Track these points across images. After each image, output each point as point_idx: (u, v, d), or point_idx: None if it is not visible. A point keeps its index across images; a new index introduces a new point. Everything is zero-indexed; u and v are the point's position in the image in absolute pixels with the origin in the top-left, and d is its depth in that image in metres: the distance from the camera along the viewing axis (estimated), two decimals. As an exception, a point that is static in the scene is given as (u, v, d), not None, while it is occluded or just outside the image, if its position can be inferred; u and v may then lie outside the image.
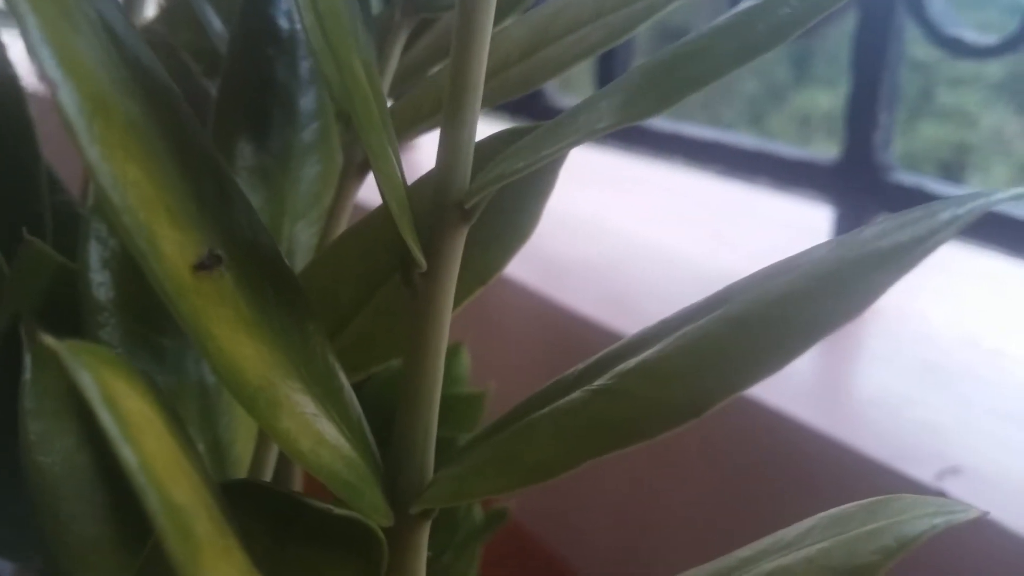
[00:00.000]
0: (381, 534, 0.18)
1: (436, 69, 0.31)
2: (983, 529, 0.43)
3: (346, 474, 0.18)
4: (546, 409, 0.18)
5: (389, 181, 0.17)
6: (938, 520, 0.17)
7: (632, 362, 0.17)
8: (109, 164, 0.13)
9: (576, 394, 0.18)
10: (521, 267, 0.67)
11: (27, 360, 0.24)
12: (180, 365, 0.27)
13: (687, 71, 0.16)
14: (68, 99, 0.13)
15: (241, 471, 0.27)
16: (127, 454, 0.12)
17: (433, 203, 0.20)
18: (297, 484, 0.33)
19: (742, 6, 0.17)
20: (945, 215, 0.14)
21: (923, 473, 0.46)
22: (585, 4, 0.25)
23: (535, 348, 0.69)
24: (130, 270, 0.26)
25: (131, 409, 0.12)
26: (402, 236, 0.18)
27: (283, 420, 0.16)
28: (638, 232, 0.78)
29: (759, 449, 0.52)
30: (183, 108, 0.17)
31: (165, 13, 0.43)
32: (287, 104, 0.28)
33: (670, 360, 0.16)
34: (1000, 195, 0.14)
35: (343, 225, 0.27)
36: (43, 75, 0.13)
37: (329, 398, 0.19)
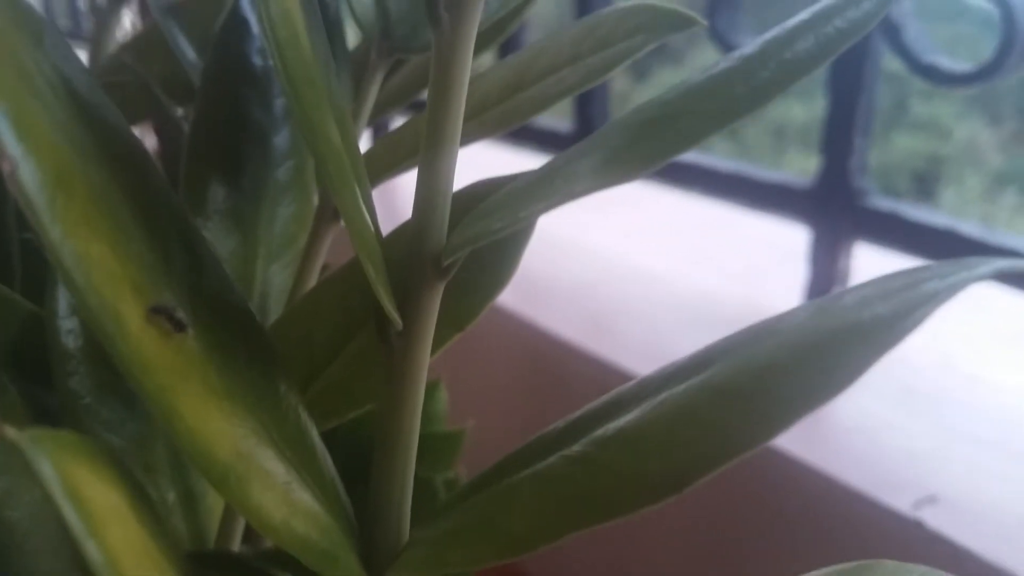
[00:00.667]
0: (355, 602, 0.18)
1: (415, 98, 0.31)
2: (961, 559, 0.43)
3: (320, 542, 0.17)
4: (525, 473, 0.18)
5: (364, 243, 0.17)
6: (922, 587, 0.16)
7: (611, 428, 0.17)
8: (72, 242, 0.13)
9: (554, 459, 0.17)
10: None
11: (-9, 412, 0.24)
12: (150, 412, 0.26)
13: (666, 134, 0.16)
14: (29, 177, 0.12)
15: (214, 520, 0.27)
16: (91, 549, 0.11)
17: (409, 259, 0.19)
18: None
19: (720, 66, 0.17)
20: (928, 288, 0.14)
21: (901, 502, 0.46)
22: (563, 48, 0.25)
23: (512, 369, 0.69)
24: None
25: (93, 498, 0.12)
26: (373, 297, 0.18)
27: (254, 495, 0.16)
28: (616, 252, 0.78)
29: (737, 477, 0.52)
30: (150, 168, 0.16)
31: (135, 41, 0.42)
32: (261, 143, 0.28)
33: (650, 429, 0.16)
34: (983, 268, 0.14)
35: (318, 267, 0.26)
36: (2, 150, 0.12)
37: (302, 461, 0.18)
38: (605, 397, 0.19)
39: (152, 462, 0.26)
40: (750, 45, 0.17)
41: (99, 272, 0.13)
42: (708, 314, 0.66)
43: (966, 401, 0.55)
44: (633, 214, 0.86)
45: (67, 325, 0.25)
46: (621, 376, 0.58)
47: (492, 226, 0.17)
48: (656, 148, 0.16)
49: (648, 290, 0.71)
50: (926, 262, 0.24)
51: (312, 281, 0.26)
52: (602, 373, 0.61)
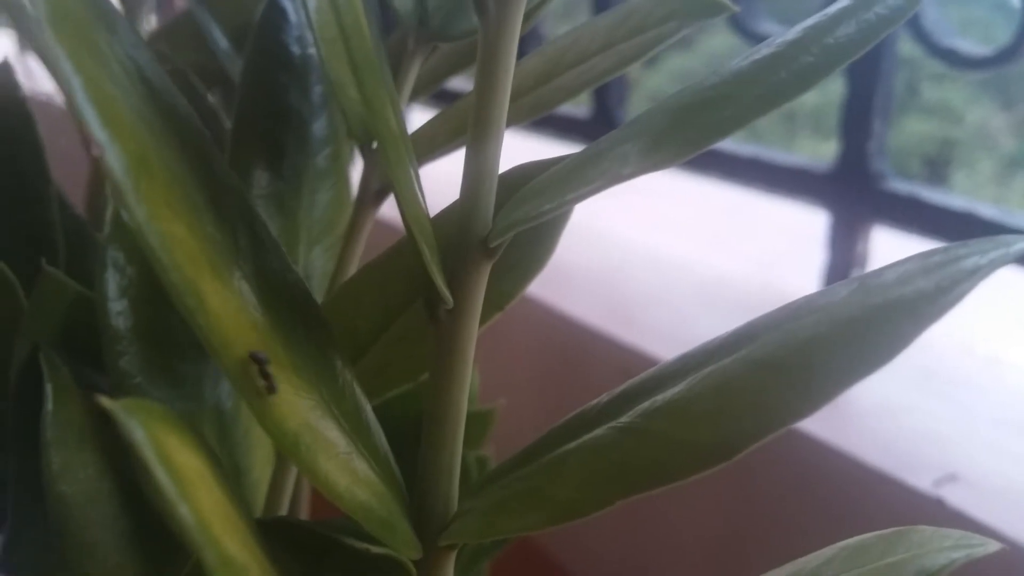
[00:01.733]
0: (413, 569, 0.19)
1: (441, 87, 0.31)
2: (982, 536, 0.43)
3: (379, 510, 0.18)
4: (572, 445, 0.18)
5: (419, 224, 0.18)
6: (957, 554, 0.17)
7: (659, 400, 0.18)
8: (156, 224, 0.13)
9: (602, 431, 0.18)
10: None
11: (48, 391, 0.25)
12: (198, 391, 0.27)
13: (711, 118, 0.17)
14: (115, 161, 0.13)
15: (260, 495, 0.28)
16: (184, 512, 0.12)
17: (458, 240, 0.20)
18: (306, 503, 0.33)
19: (762, 52, 0.18)
20: (968, 264, 0.15)
21: (921, 481, 0.46)
22: (596, 36, 0.25)
23: (533, 353, 0.70)
24: (148, 298, 0.26)
25: (184, 464, 0.13)
26: (429, 274, 0.19)
27: (321, 463, 0.16)
28: (636, 238, 0.78)
29: (760, 458, 0.52)
30: (215, 153, 0.17)
31: (166, 29, 0.43)
32: (300, 130, 0.28)
33: (698, 402, 0.16)
34: (1021, 244, 0.15)
35: (359, 252, 0.27)
36: (89, 135, 0.13)
37: (358, 434, 0.19)
38: (647, 373, 0.20)
39: (200, 440, 0.26)
40: (792, 31, 0.17)
41: (180, 251, 0.14)
42: (727, 298, 0.67)
43: (986, 383, 0.55)
44: (651, 200, 0.87)
45: (117, 307, 0.26)
46: (641, 360, 0.59)
47: (541, 208, 0.18)
48: (702, 132, 0.17)
49: (667, 275, 0.71)
50: (945, 245, 0.24)
51: (353, 265, 0.27)
52: (622, 357, 0.61)
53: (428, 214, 0.20)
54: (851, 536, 0.22)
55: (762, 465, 0.53)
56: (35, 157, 0.30)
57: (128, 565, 0.26)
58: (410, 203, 0.18)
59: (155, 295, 0.26)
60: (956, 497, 0.45)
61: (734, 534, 0.55)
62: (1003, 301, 0.65)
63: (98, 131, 0.13)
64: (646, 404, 0.18)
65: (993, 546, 0.17)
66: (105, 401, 0.12)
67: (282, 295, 0.18)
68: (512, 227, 0.19)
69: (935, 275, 0.15)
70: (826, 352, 0.15)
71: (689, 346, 0.19)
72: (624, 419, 0.18)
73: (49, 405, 0.24)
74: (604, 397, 0.20)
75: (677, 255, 0.74)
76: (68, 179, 0.34)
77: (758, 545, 0.55)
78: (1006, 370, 0.57)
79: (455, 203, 0.21)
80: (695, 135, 0.17)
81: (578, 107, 0.80)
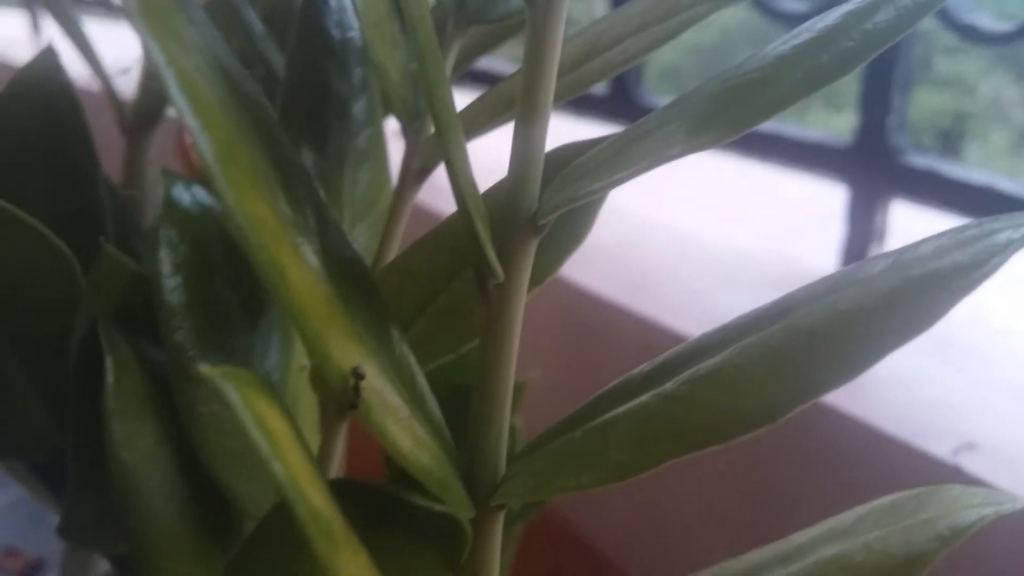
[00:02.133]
0: (467, 525, 0.20)
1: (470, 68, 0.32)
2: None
3: (437, 472, 0.19)
4: (621, 410, 0.19)
5: (472, 200, 0.19)
6: (987, 511, 0.18)
7: (702, 368, 0.19)
8: (243, 206, 0.14)
9: (648, 398, 0.19)
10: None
11: (108, 364, 0.26)
12: (248, 362, 0.28)
13: (754, 99, 0.18)
14: (206, 147, 0.14)
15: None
16: (278, 469, 0.13)
17: (506, 217, 0.21)
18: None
19: (802, 36, 0.18)
20: (1001, 238, 0.16)
21: (939, 449, 0.47)
22: (631, 19, 0.26)
23: (555, 327, 0.71)
24: (200, 274, 0.27)
25: (275, 427, 0.14)
26: (479, 250, 0.20)
27: (389, 425, 0.17)
28: (654, 214, 0.79)
29: (779, 427, 0.53)
30: (284, 138, 0.18)
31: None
32: (342, 112, 0.29)
33: (744, 369, 0.17)
34: (1052, 218, 0.16)
35: (400, 230, 0.28)
36: (183, 120, 0.14)
37: (415, 402, 0.20)
38: (685, 344, 0.21)
39: (251, 410, 0.28)
40: (830, 15, 0.18)
41: (264, 231, 0.15)
42: (745, 272, 0.68)
43: (1000, 354, 0.56)
44: (668, 176, 0.88)
45: (171, 283, 0.27)
46: (661, 333, 0.60)
47: (592, 187, 0.19)
48: (747, 113, 0.17)
49: (686, 250, 0.72)
50: (963, 219, 0.25)
51: (396, 243, 0.28)
52: (643, 331, 0.62)
53: (479, 191, 0.21)
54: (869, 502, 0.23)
55: (780, 434, 0.54)
56: (83, 141, 0.31)
57: (184, 531, 0.27)
58: (465, 179, 0.19)
59: (206, 272, 0.27)
60: (974, 465, 0.46)
61: (753, 503, 0.56)
62: (1015, 274, 0.66)
63: (190, 120, 0.14)
64: (689, 372, 0.19)
65: (1020, 503, 0.18)
66: (205, 368, 0.13)
67: (344, 270, 0.19)
68: (561, 206, 0.19)
69: (970, 248, 0.16)
70: (868, 322, 0.16)
71: (708, 320, 0.20)
72: (669, 386, 0.19)
73: (110, 377, 0.26)
74: (646, 367, 0.21)
75: (696, 230, 0.75)
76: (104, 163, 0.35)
77: (778, 513, 0.56)
78: (1019, 341, 0.57)
79: (502, 181, 0.22)
80: (739, 116, 0.17)
81: (595, 85, 0.81)
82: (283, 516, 0.24)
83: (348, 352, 0.17)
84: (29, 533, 0.88)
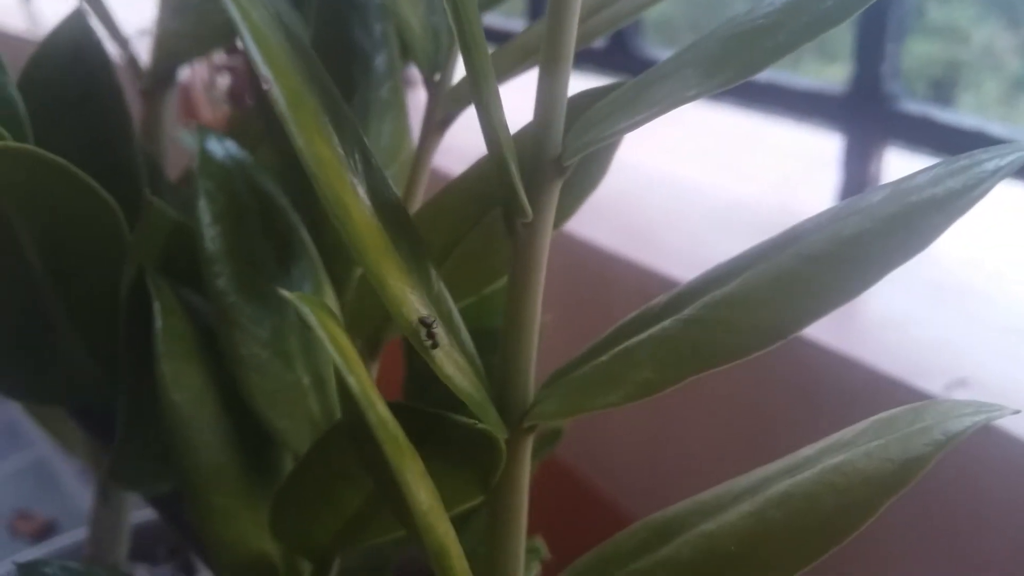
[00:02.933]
0: (502, 442, 0.22)
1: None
2: (991, 435, 0.46)
3: (476, 395, 0.21)
4: (644, 335, 0.21)
5: (505, 141, 0.20)
6: (978, 417, 0.20)
7: (717, 295, 0.20)
8: (312, 148, 0.16)
9: (669, 323, 0.21)
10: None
11: (156, 309, 0.27)
12: (283, 306, 0.30)
13: (764, 43, 0.19)
14: (278, 95, 0.15)
15: (337, 403, 0.31)
16: (352, 381, 0.15)
17: (532, 158, 0.22)
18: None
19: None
20: (990, 165, 0.17)
21: (932, 386, 0.49)
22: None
23: (559, 277, 0.72)
24: (237, 224, 0.29)
25: (345, 346, 0.15)
26: (507, 191, 0.21)
27: (436, 352, 0.19)
28: (651, 165, 0.80)
29: (776, 368, 0.55)
30: (334, 87, 0.19)
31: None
32: (366, 65, 0.31)
33: (757, 291, 0.19)
34: (1037, 146, 0.17)
35: (425, 177, 0.30)
36: (257, 72, 0.15)
37: (453, 332, 0.22)
38: (701, 275, 0.23)
39: (288, 351, 0.29)
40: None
41: (330, 170, 0.16)
42: (743, 221, 0.69)
43: (992, 294, 0.58)
44: (665, 127, 0.89)
45: (211, 232, 0.28)
46: (660, 281, 0.61)
47: (615, 128, 0.20)
48: (757, 56, 0.19)
49: (684, 200, 0.74)
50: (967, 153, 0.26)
51: (420, 190, 0.30)
52: (643, 280, 0.64)
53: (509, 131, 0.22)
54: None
55: (778, 375, 0.56)
56: (116, 98, 0.32)
57: (230, 465, 0.29)
58: (498, 120, 0.20)
59: (243, 222, 0.29)
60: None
61: (752, 444, 0.59)
62: (1007, 217, 0.68)
63: (263, 69, 0.15)
64: (706, 299, 0.21)
65: (1008, 411, 0.20)
66: (284, 292, 0.15)
67: (387, 210, 0.20)
68: (585, 147, 0.21)
69: (961, 176, 0.18)
70: (870, 244, 0.17)
71: (707, 267, 0.22)
72: (687, 311, 0.21)
73: (159, 322, 0.27)
74: (662, 298, 0.23)
75: (693, 180, 0.76)
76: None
77: (777, 454, 0.58)
78: (1011, 282, 0.59)
79: (526, 127, 0.24)
80: (751, 59, 0.19)
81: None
82: (326, 449, 0.26)
83: (400, 283, 0.18)
84: (40, 496, 0.90)
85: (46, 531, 0.84)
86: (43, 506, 0.87)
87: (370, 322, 0.28)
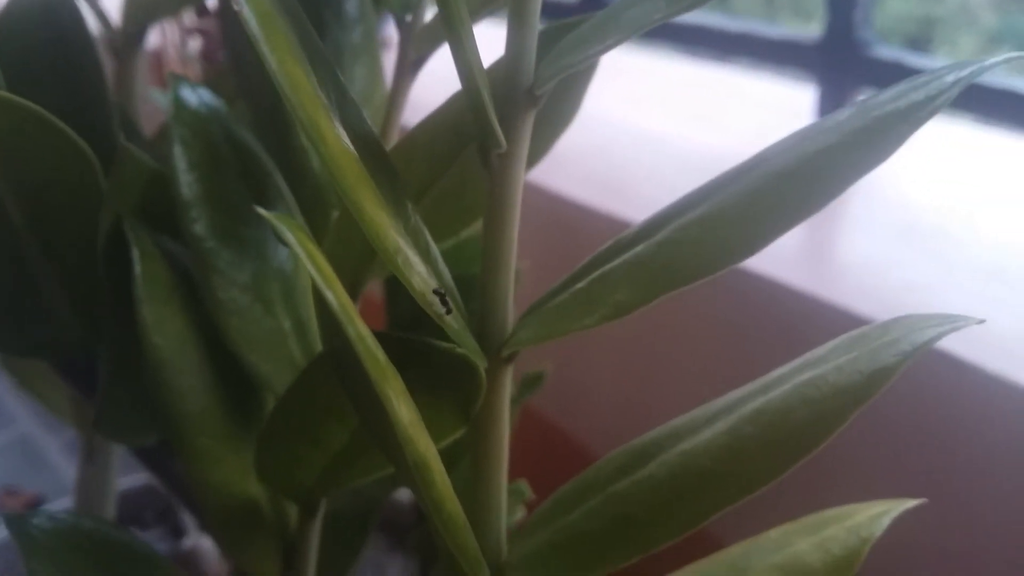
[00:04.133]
0: (482, 369, 0.22)
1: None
2: (962, 370, 0.47)
3: (454, 324, 0.21)
4: (617, 261, 0.21)
5: (479, 72, 0.20)
6: (943, 328, 0.20)
7: (690, 216, 0.21)
8: (284, 67, 0.16)
9: (641, 247, 0.21)
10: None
11: (135, 255, 0.28)
12: (262, 252, 0.30)
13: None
14: (249, 15, 0.16)
15: (319, 345, 0.31)
16: (330, 296, 0.15)
17: (505, 89, 0.23)
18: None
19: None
20: (950, 78, 0.18)
21: (906, 325, 0.50)
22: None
23: (531, 230, 0.73)
24: (213, 171, 0.29)
25: (324, 265, 0.16)
26: (482, 121, 0.22)
27: (414, 277, 0.19)
28: (625, 118, 0.80)
29: (754, 314, 0.56)
30: (306, 20, 0.19)
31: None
32: (337, 8, 0.31)
33: (725, 211, 0.19)
34: (994, 59, 0.18)
35: (399, 119, 0.30)
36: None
37: (430, 263, 0.22)
38: (673, 202, 0.23)
39: (269, 296, 0.30)
40: None
41: (303, 92, 0.17)
42: (715, 173, 0.70)
43: (963, 237, 0.59)
44: (637, 80, 0.89)
45: (187, 178, 0.28)
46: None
47: (586, 52, 0.20)
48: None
49: (656, 152, 0.74)
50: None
51: (395, 132, 0.30)
52: (615, 231, 0.64)
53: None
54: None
55: (756, 320, 0.57)
56: (88, 53, 0.32)
57: (214, 408, 0.29)
58: (471, 52, 0.20)
59: (218, 168, 0.29)
60: (940, 339, 0.49)
61: (728, 387, 0.59)
62: (977, 162, 0.69)
63: (233, -4, 0.15)
64: (677, 222, 0.21)
65: (972, 320, 0.21)
66: (261, 211, 0.15)
67: (362, 143, 0.21)
68: (557, 73, 0.21)
69: (923, 89, 0.18)
70: (835, 157, 0.18)
71: None
72: (659, 235, 0.21)
73: (137, 267, 0.27)
74: (633, 227, 0.23)
75: (668, 133, 0.77)
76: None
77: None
78: (982, 225, 0.60)
79: (499, 59, 0.24)
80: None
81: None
82: (308, 384, 0.26)
83: (377, 209, 0.18)
84: (27, 472, 0.90)
85: (33, 506, 0.84)
86: (29, 482, 0.87)
87: (348, 268, 0.28)
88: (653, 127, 0.78)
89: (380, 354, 0.17)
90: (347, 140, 0.19)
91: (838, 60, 0.60)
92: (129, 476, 0.58)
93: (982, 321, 0.20)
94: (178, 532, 0.58)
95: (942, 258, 0.57)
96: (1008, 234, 0.59)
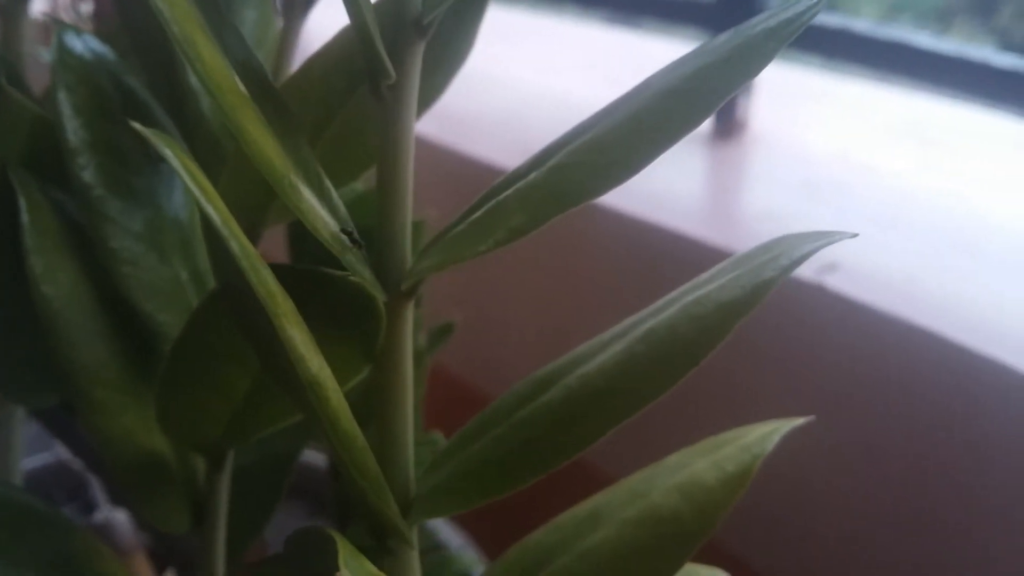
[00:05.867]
0: (381, 303, 0.22)
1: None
2: (857, 312, 0.49)
3: (351, 258, 0.21)
4: (511, 190, 0.22)
5: (366, 4, 0.20)
6: (820, 242, 0.21)
7: (578, 142, 0.21)
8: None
9: (534, 175, 0.22)
10: (426, 123, 0.70)
11: (22, 204, 0.27)
12: (155, 201, 0.29)
13: None
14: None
15: (221, 295, 0.31)
16: (211, 211, 0.15)
17: (393, 23, 0.23)
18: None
19: None
20: (802, 5, 0.19)
21: (805, 271, 0.52)
22: None
23: (443, 196, 0.72)
24: (100, 117, 0.28)
25: (205, 183, 0.16)
26: (369, 52, 0.22)
27: (303, 202, 0.19)
28: (534, 82, 0.81)
29: (661, 266, 0.57)
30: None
31: None
32: (225, -47, 0.30)
33: (611, 133, 0.20)
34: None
35: (293, 60, 0.29)
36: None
37: (322, 197, 0.22)
38: (562, 135, 0.23)
39: (164, 246, 0.29)
40: None
41: (178, 9, 0.16)
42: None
43: (861, 188, 0.61)
44: (546, 45, 0.89)
45: (73, 124, 0.28)
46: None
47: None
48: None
49: (568, 116, 0.74)
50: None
51: (287, 74, 0.29)
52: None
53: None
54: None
55: (662, 271, 0.58)
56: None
57: (111, 361, 0.29)
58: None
59: (106, 115, 0.28)
60: (835, 282, 0.51)
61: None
62: (875, 116, 0.71)
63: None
64: (568, 148, 0.21)
65: (847, 235, 0.21)
66: (140, 128, 0.15)
67: (248, 74, 0.20)
68: (443, 1, 0.21)
69: (791, 9, 0.19)
70: (711, 74, 0.18)
71: None
72: (551, 161, 0.21)
73: (25, 217, 0.27)
74: (527, 160, 0.24)
75: (575, 96, 0.77)
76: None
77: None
78: (879, 176, 0.62)
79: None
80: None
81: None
82: (200, 326, 0.25)
83: (262, 137, 0.18)
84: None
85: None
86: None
87: (244, 209, 0.28)
88: (564, 90, 0.79)
89: (271, 280, 0.17)
90: (228, 65, 0.18)
91: (735, 18, 0.62)
92: (38, 455, 0.57)
93: (855, 235, 0.21)
94: (90, 509, 0.57)
95: (840, 209, 0.59)
96: (903, 182, 0.62)
